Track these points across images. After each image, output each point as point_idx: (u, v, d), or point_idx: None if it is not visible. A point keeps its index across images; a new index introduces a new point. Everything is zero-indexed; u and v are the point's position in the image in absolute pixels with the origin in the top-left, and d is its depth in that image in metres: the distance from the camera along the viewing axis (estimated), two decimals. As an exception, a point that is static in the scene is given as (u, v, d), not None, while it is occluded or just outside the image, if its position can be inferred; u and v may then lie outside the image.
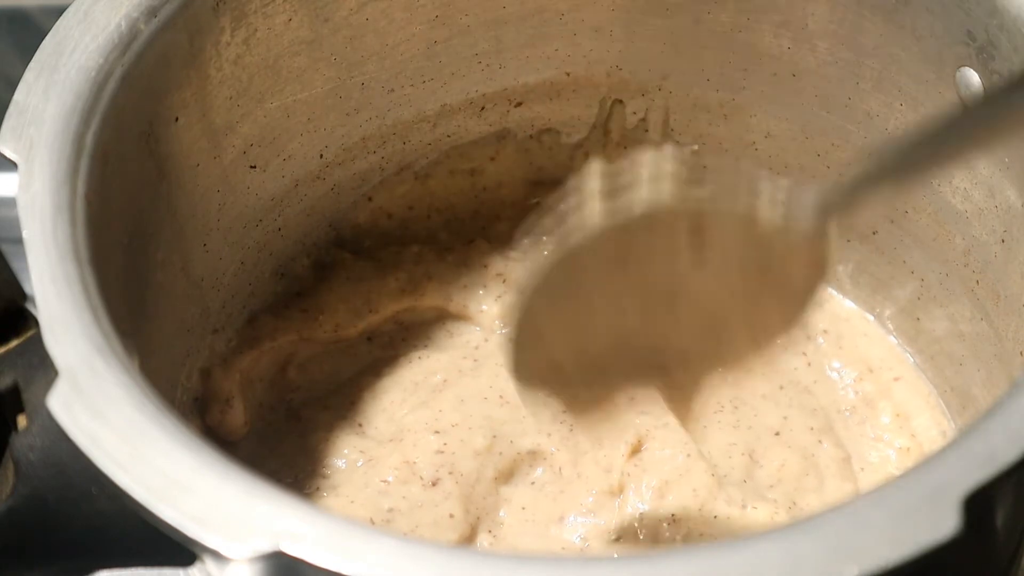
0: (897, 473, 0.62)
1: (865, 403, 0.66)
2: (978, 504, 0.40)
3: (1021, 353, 0.58)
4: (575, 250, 0.49)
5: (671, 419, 0.63)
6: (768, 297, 0.51)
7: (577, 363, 0.53)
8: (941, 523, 0.40)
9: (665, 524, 0.60)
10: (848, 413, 0.66)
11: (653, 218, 0.49)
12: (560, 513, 0.61)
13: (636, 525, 0.60)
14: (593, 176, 0.49)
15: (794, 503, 0.61)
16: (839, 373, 0.67)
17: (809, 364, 0.67)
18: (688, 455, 0.61)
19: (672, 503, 0.60)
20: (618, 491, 0.61)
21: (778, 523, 0.59)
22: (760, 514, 0.60)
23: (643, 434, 0.62)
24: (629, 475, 0.61)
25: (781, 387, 0.65)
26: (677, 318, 0.52)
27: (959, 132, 0.44)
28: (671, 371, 0.55)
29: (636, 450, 0.62)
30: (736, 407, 0.64)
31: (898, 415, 0.65)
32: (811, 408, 0.65)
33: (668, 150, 0.49)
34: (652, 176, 0.49)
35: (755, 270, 0.51)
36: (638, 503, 0.60)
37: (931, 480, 0.41)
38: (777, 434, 0.63)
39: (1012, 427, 0.42)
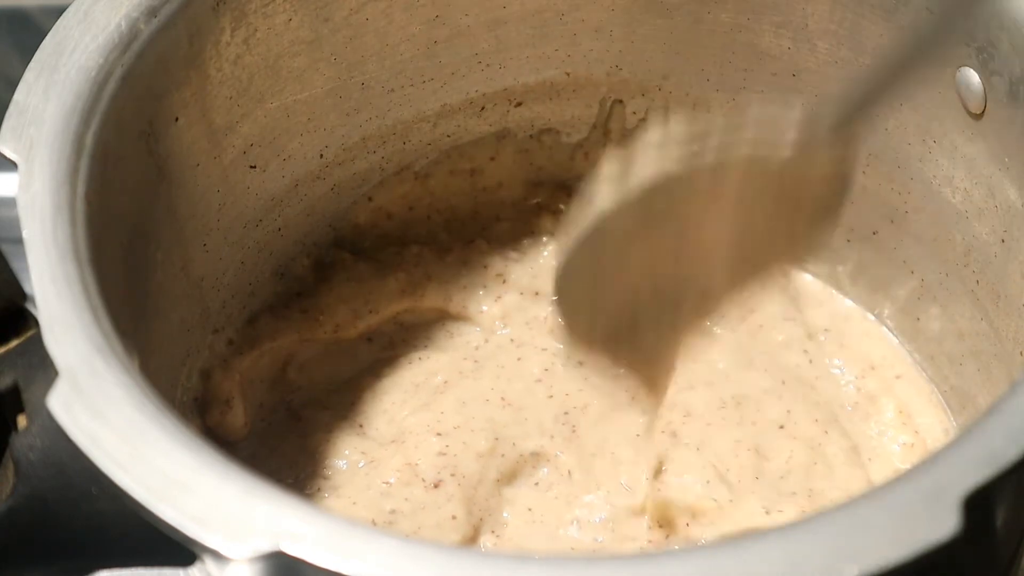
0: (902, 468, 0.62)
1: (868, 399, 0.66)
2: (978, 504, 0.40)
3: (1021, 353, 0.58)
4: (602, 218, 0.50)
5: (678, 428, 0.63)
6: (792, 217, 0.52)
7: (608, 323, 0.54)
8: (941, 523, 0.40)
9: (679, 534, 0.60)
10: (851, 408, 0.66)
11: (670, 178, 0.49)
12: (572, 517, 0.61)
13: (651, 536, 0.60)
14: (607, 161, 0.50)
15: (811, 491, 0.61)
16: (841, 370, 0.67)
17: (811, 361, 0.67)
18: (708, 481, 0.61)
19: (692, 529, 0.60)
20: (640, 512, 0.61)
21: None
22: (787, 517, 0.60)
23: (663, 456, 0.62)
24: (652, 498, 0.61)
25: (783, 382, 0.65)
26: (701, 259, 0.52)
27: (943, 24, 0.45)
28: (690, 318, 0.55)
29: (658, 472, 0.61)
30: (739, 403, 0.64)
31: (901, 412, 0.65)
32: (814, 402, 0.65)
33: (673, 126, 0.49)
34: (660, 143, 0.49)
35: (776, 197, 0.51)
36: (654, 517, 0.60)
37: (931, 480, 0.41)
38: (781, 427, 0.63)
39: (1012, 427, 0.42)
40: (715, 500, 0.60)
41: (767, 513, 0.60)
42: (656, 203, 0.50)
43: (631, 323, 0.54)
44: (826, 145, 0.49)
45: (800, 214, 0.51)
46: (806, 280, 0.70)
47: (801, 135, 0.49)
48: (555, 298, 0.52)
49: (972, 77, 0.56)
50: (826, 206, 0.51)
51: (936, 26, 0.45)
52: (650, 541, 0.60)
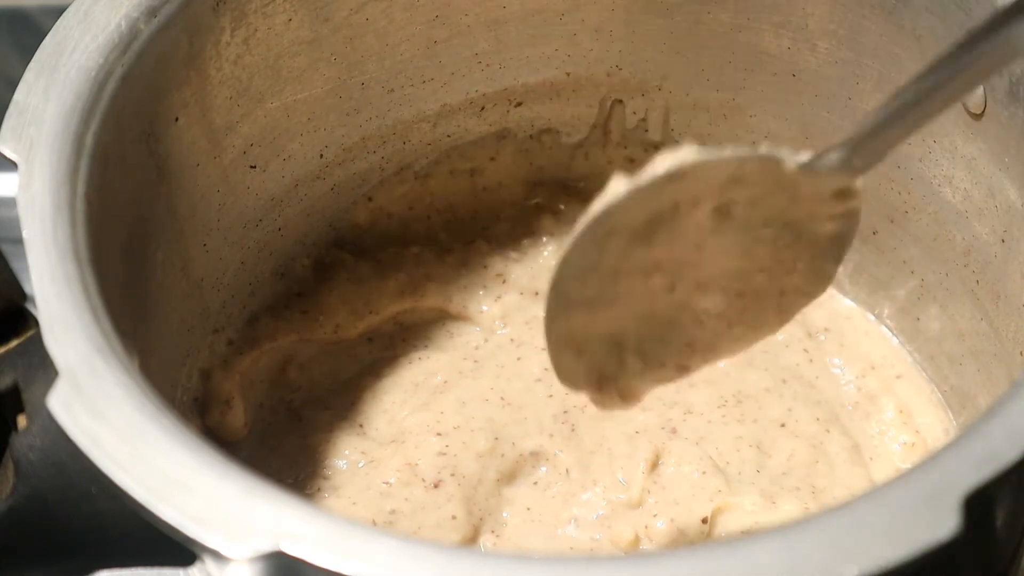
0: (903, 467, 0.62)
1: (868, 399, 0.66)
2: (978, 504, 0.40)
3: (1021, 353, 0.58)
4: (603, 218, 0.49)
5: (679, 425, 0.63)
6: (797, 254, 0.52)
7: (603, 332, 0.53)
8: (941, 523, 0.40)
9: (681, 534, 0.60)
10: (851, 408, 0.66)
11: (677, 180, 0.48)
12: (570, 515, 0.61)
13: (653, 536, 0.60)
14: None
15: (814, 487, 0.61)
16: (841, 370, 0.67)
17: (811, 360, 0.67)
18: (704, 472, 0.61)
19: (689, 518, 0.60)
20: (637, 504, 0.61)
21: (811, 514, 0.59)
22: (789, 510, 0.60)
23: (659, 448, 0.62)
24: (649, 491, 0.61)
25: (784, 381, 0.65)
26: (701, 284, 0.52)
27: (961, 66, 0.44)
28: (689, 343, 0.54)
29: (654, 465, 0.61)
30: (739, 401, 0.64)
31: (901, 411, 0.65)
32: (815, 400, 0.65)
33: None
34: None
35: (782, 227, 0.51)
36: (655, 517, 0.60)
37: (931, 480, 0.41)
38: (783, 425, 0.63)
39: (1012, 427, 0.42)
40: (713, 490, 0.60)
41: (772, 503, 0.60)
42: (664, 199, 0.49)
43: (617, 344, 0.54)
44: (835, 176, 0.49)
45: (805, 246, 0.51)
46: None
47: (811, 160, 0.49)
48: (548, 294, 0.51)
49: (972, 77, 0.56)
50: (833, 241, 0.51)
51: (943, 68, 0.45)
52: (646, 527, 0.60)
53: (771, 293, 0.53)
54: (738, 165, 0.49)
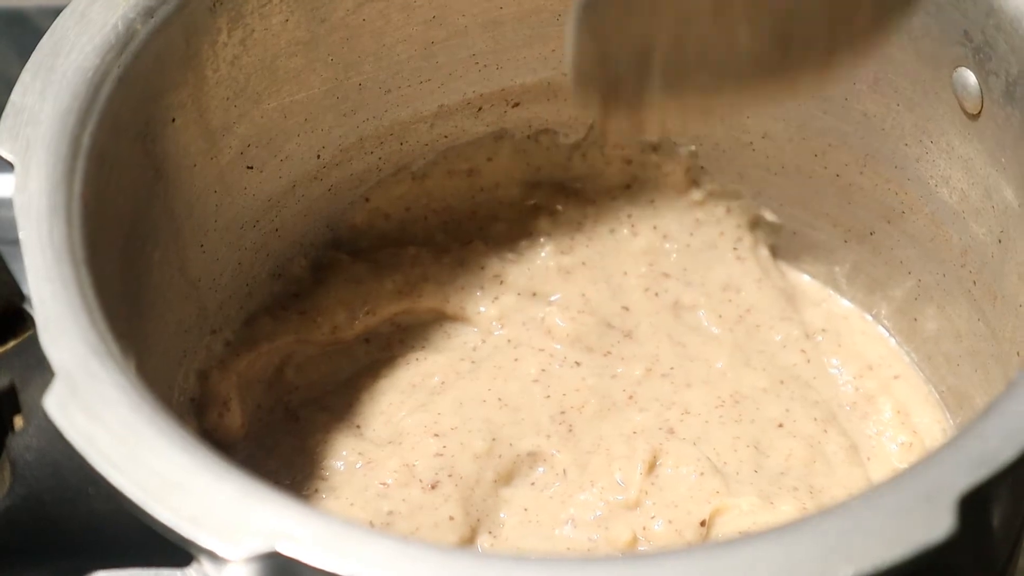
0: (900, 467, 0.62)
1: (866, 399, 0.66)
2: (974, 504, 0.40)
3: (1018, 353, 0.58)
4: None
5: (676, 425, 0.63)
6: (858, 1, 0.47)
7: (632, 38, 0.47)
8: (937, 523, 0.40)
9: (679, 535, 0.60)
10: (849, 408, 0.66)
11: None
12: (568, 516, 0.61)
13: (650, 537, 0.60)
14: None
15: (812, 487, 0.61)
16: (839, 370, 0.67)
17: (808, 361, 0.67)
18: (702, 473, 0.61)
19: (687, 519, 0.60)
20: (634, 505, 0.61)
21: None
22: (787, 510, 0.60)
23: (657, 449, 0.62)
24: (646, 492, 0.61)
25: (781, 381, 0.65)
26: (749, 15, 0.46)
27: None
28: (718, 77, 0.48)
29: (652, 466, 0.61)
30: (737, 401, 0.64)
31: (899, 412, 0.65)
32: (813, 401, 0.65)
33: None
34: None
35: None
36: (652, 518, 0.60)
37: (927, 480, 0.41)
38: (780, 425, 0.63)
39: (1008, 427, 0.42)
40: (711, 491, 0.60)
41: (770, 503, 0.60)
42: None
43: (643, 57, 0.48)
44: None
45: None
46: (803, 280, 0.71)
47: None
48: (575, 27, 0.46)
49: (969, 77, 0.56)
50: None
51: None
52: (644, 528, 0.60)
53: (818, 47, 0.47)
54: None
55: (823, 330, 0.69)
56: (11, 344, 0.54)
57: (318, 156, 0.66)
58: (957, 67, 0.57)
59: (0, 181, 0.59)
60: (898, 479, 0.41)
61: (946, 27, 0.56)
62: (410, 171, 0.69)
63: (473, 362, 0.66)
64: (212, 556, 0.41)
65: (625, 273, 0.69)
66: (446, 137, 0.69)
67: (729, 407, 0.64)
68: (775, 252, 0.71)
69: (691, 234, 0.70)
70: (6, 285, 0.57)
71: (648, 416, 0.63)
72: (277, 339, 0.66)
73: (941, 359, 0.65)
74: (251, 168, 0.63)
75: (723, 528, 0.60)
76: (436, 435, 0.62)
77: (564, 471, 0.62)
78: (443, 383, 0.65)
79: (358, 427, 0.64)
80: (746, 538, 0.40)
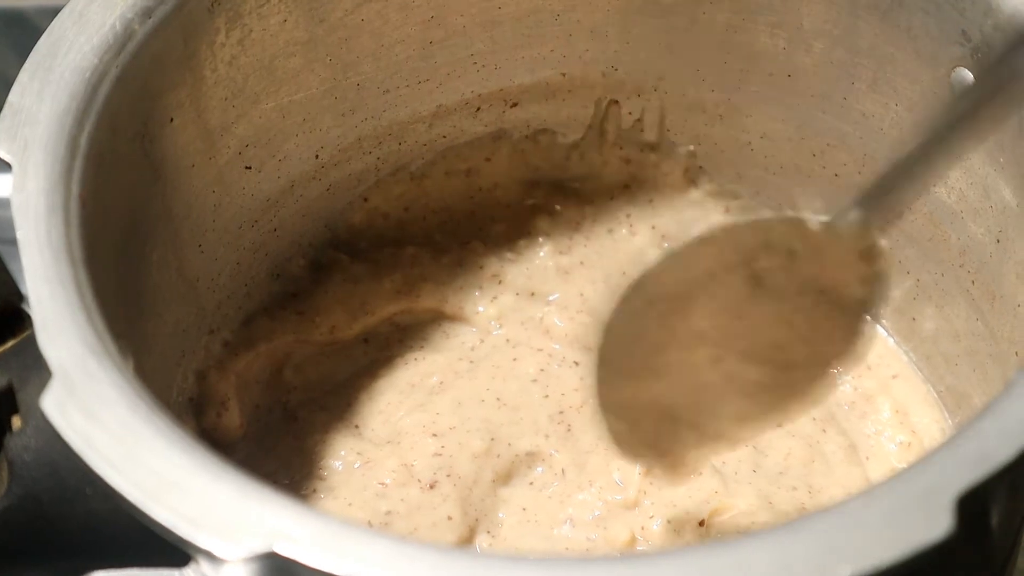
0: (899, 467, 0.62)
1: (864, 399, 0.66)
2: (972, 504, 0.40)
3: (1016, 353, 0.58)
4: (640, 286, 0.52)
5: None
6: (834, 323, 0.52)
7: (654, 403, 0.54)
8: (935, 523, 0.40)
9: (677, 535, 0.60)
10: (848, 407, 0.66)
11: (708, 243, 0.50)
12: (566, 516, 0.61)
13: (649, 536, 0.60)
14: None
15: (811, 487, 0.61)
16: (837, 370, 0.67)
17: (807, 361, 0.67)
18: (700, 472, 0.61)
19: (686, 519, 0.60)
20: (632, 505, 0.61)
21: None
22: (786, 510, 0.60)
23: None
24: (645, 492, 0.61)
25: None
26: (747, 355, 0.53)
27: (965, 114, 0.45)
28: (740, 415, 0.55)
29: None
30: (735, 401, 0.64)
31: (897, 411, 0.65)
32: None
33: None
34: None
35: (818, 294, 0.51)
36: (651, 518, 0.60)
37: (925, 480, 0.41)
38: (779, 425, 0.63)
39: (1006, 427, 0.42)
40: (710, 491, 0.60)
41: (769, 503, 0.60)
42: (697, 266, 0.51)
43: (671, 416, 0.54)
44: (857, 235, 0.50)
45: (840, 314, 0.52)
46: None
47: (832, 218, 0.50)
48: (596, 364, 0.53)
49: (967, 77, 0.56)
50: (864, 306, 0.52)
51: (952, 118, 0.45)
52: (642, 528, 0.60)
53: (815, 363, 0.53)
54: (765, 229, 0.50)
55: (822, 329, 0.69)
56: (9, 344, 0.55)
57: (316, 156, 0.66)
58: (955, 67, 0.57)
59: (-2, 181, 0.59)
60: (896, 479, 0.41)
61: (944, 27, 0.56)
62: (408, 171, 0.69)
63: (472, 362, 0.66)
64: (210, 556, 0.41)
65: (624, 273, 0.69)
66: (444, 137, 0.69)
67: (728, 407, 0.64)
68: (774, 252, 0.71)
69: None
70: (4, 285, 0.57)
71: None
72: (275, 339, 0.66)
73: (940, 359, 0.65)
74: (249, 168, 0.63)
75: (722, 528, 0.60)
76: (434, 435, 0.62)
77: (563, 471, 0.62)
78: (441, 383, 0.65)
79: (356, 427, 0.64)
80: (745, 538, 0.40)
